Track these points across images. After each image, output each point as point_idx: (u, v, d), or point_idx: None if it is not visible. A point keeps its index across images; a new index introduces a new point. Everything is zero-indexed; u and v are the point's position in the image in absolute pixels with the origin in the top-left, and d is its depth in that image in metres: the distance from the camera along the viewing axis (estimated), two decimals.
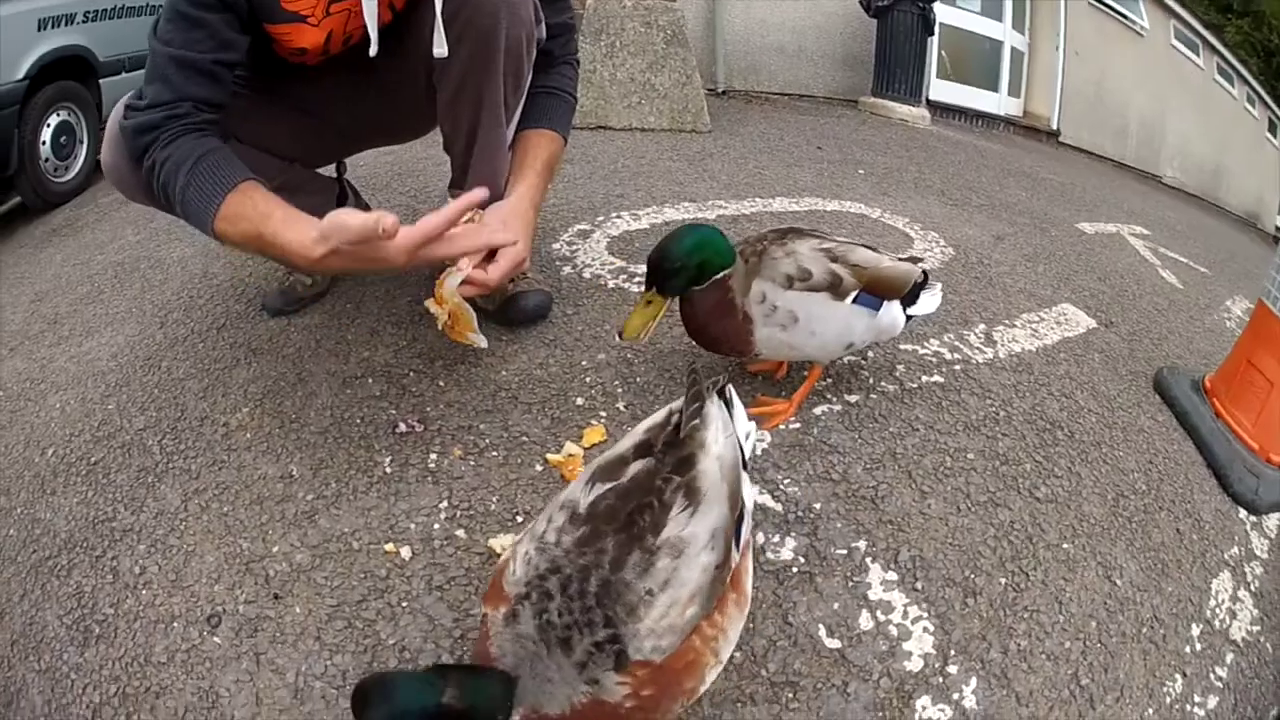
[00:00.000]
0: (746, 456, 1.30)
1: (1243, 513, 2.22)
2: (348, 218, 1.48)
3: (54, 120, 5.82)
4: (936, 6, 7.68)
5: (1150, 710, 1.56)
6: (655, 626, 1.08)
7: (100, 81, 6.38)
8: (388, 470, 1.75)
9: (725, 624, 1.17)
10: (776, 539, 1.67)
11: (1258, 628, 1.89)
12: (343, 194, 2.48)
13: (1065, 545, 1.78)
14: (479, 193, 1.65)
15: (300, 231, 1.57)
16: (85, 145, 6.11)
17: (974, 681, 1.44)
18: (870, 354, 2.26)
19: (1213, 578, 1.95)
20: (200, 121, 1.71)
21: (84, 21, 6.15)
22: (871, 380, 2.15)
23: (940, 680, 1.44)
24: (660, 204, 3.37)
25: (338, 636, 1.46)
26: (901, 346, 2.34)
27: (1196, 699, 1.63)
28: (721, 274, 1.74)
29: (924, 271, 1.88)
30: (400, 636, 1.46)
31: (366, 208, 2.62)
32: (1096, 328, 2.94)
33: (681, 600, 1.10)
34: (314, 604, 1.52)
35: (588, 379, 2.05)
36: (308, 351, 2.21)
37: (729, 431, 1.25)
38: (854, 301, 1.76)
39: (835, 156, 4.94)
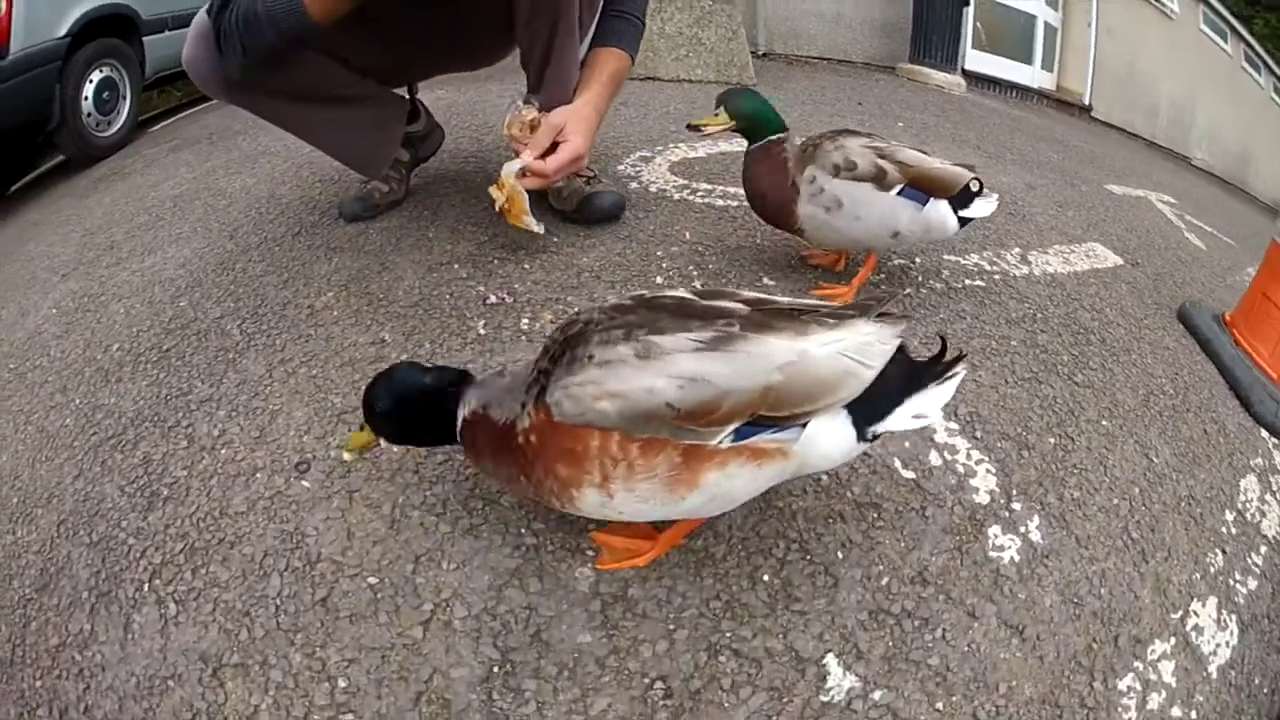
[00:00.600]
0: (894, 429, 1.23)
1: (1264, 432, 2.33)
2: None
3: (96, 76, 5.84)
4: None
5: (1197, 575, 1.69)
6: (570, 387, 1.12)
7: (143, 39, 6.43)
8: (481, 332, 1.89)
9: (634, 473, 1.13)
10: None
11: None
12: (414, 112, 2.65)
13: (1104, 422, 1.93)
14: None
15: None
16: (128, 101, 6.15)
17: (1036, 519, 1.58)
18: (918, 259, 2.40)
19: (1241, 477, 2.08)
20: None
21: None
22: (920, 279, 2.31)
23: (1007, 514, 1.57)
24: (715, 139, 3.48)
25: (437, 469, 1.56)
26: (945, 256, 2.49)
27: (1237, 577, 1.76)
28: (775, 136, 2.01)
29: (977, 179, 2.01)
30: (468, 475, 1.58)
31: (437, 126, 2.80)
32: (1123, 265, 3.07)
33: (604, 387, 1.10)
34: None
35: (664, 265, 2.21)
36: (389, 247, 2.36)
37: (863, 361, 1.15)
38: (899, 194, 1.92)
39: (875, 111, 5.05)
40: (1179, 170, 9.07)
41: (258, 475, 1.62)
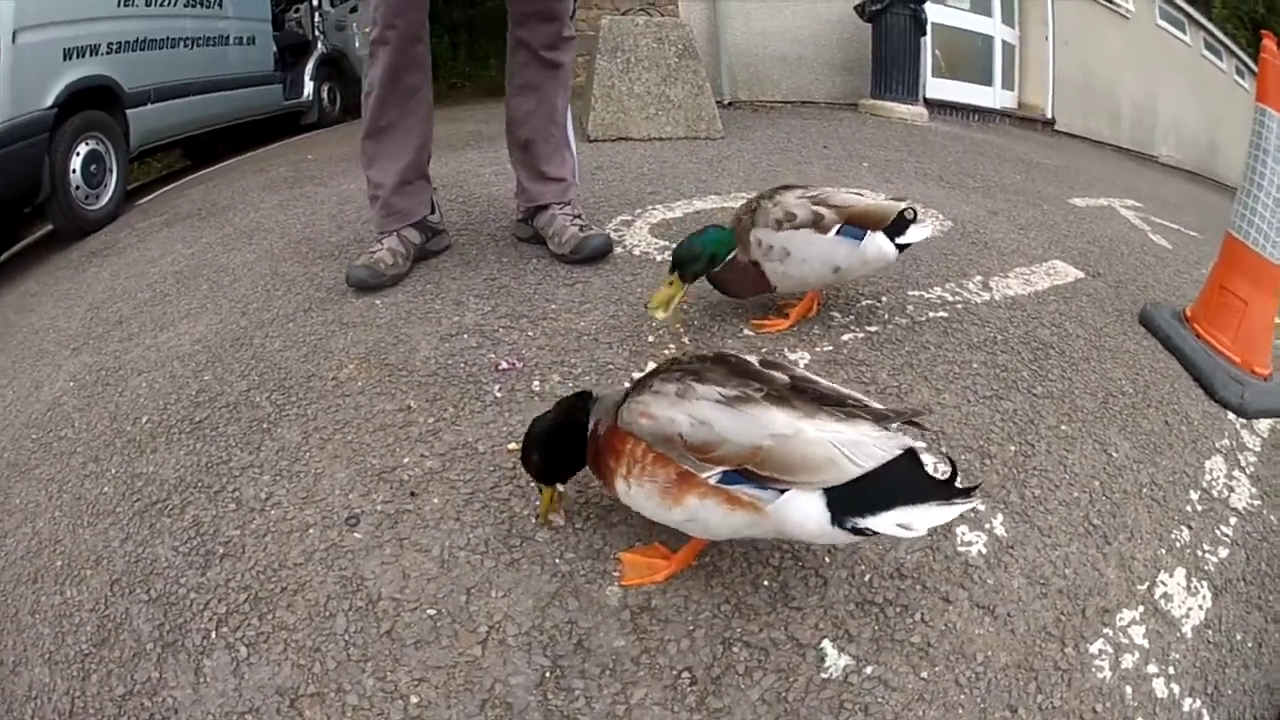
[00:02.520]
0: (873, 529, 1.32)
1: (1230, 415, 2.60)
2: None
3: (83, 149, 5.97)
4: (928, 6, 8.00)
5: (1162, 551, 1.92)
6: (631, 404, 1.48)
7: (127, 112, 6.58)
8: (498, 395, 2.15)
9: (644, 474, 1.44)
10: None
11: (1259, 502, 2.24)
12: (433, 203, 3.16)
13: (1063, 427, 2.18)
14: None
15: None
16: (115, 174, 6.28)
17: (1000, 517, 1.83)
18: (884, 298, 2.68)
19: (1205, 459, 2.33)
20: None
21: (109, 52, 6.37)
22: (887, 316, 2.58)
23: (972, 515, 1.82)
24: (689, 197, 3.82)
25: (476, 515, 1.81)
26: (909, 292, 2.76)
27: (1206, 548, 1.99)
28: (730, 256, 2.31)
29: (911, 208, 2.27)
30: (532, 508, 1.81)
31: (446, 231, 3.24)
32: (1084, 278, 3.37)
33: (646, 409, 1.45)
34: (450, 495, 1.87)
35: (654, 324, 2.46)
36: (399, 320, 2.62)
37: (852, 457, 1.29)
38: (838, 233, 2.21)
39: (840, 153, 5.34)
40: (1146, 171, 9.41)
41: (310, 531, 1.85)
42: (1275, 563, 2.08)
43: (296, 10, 10.54)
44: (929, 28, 8.18)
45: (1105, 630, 1.66)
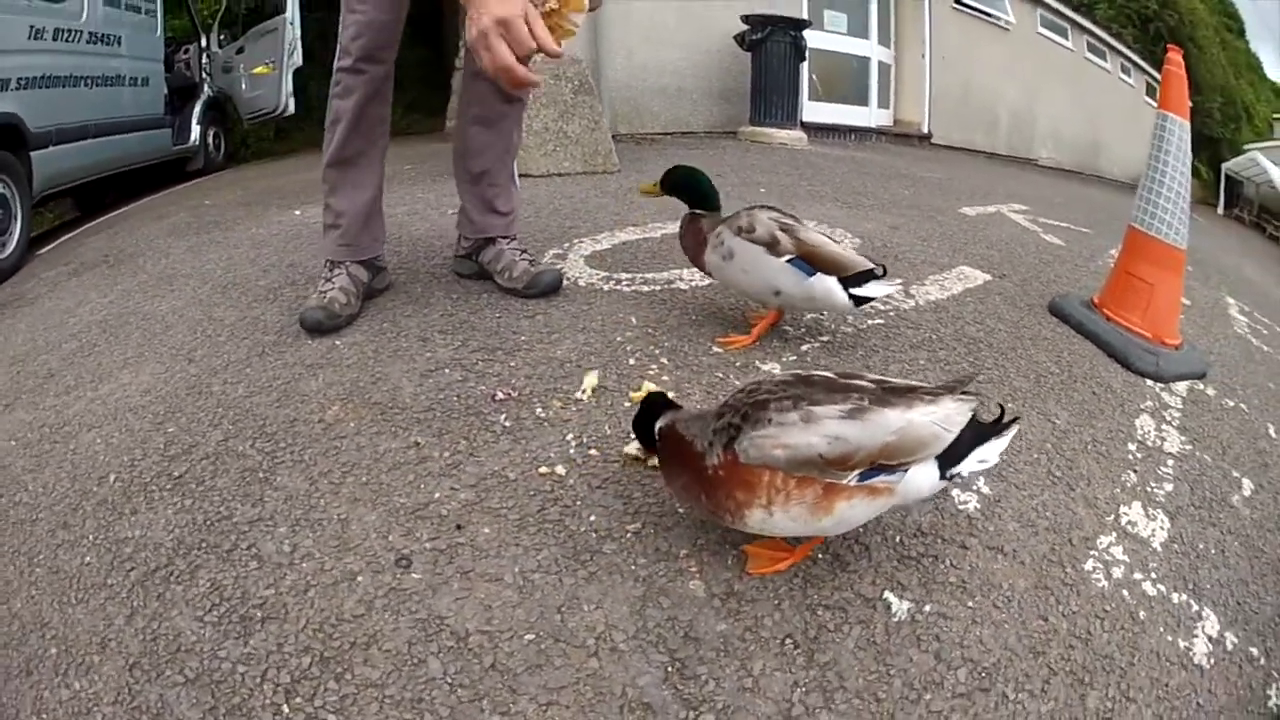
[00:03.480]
0: (964, 472, 1.77)
1: (1149, 381, 3.17)
2: None
3: None
4: (806, 33, 8.56)
5: (1117, 490, 2.39)
6: (755, 439, 1.65)
7: (31, 154, 6.43)
8: (506, 425, 2.36)
9: (790, 499, 1.66)
10: None
11: (1189, 446, 2.78)
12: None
13: (1009, 404, 2.59)
14: None
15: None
16: (19, 221, 6.07)
17: (982, 480, 2.24)
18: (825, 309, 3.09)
19: (1135, 419, 2.87)
20: None
21: (17, 88, 6.24)
22: (833, 327, 3.02)
23: (960, 480, 2.16)
24: (611, 230, 4.19)
25: (534, 539, 1.93)
26: None
27: (1152, 484, 2.49)
28: (701, 211, 2.77)
29: (881, 266, 2.62)
30: (587, 524, 1.97)
31: (388, 269, 3.40)
32: (992, 279, 3.93)
33: (778, 441, 1.64)
34: (499, 523, 1.97)
35: (628, 348, 2.78)
36: (368, 359, 2.76)
37: (947, 427, 1.69)
38: (788, 262, 2.56)
39: (735, 180, 5.82)
40: (1026, 175, 10.29)
41: (359, 578, 1.84)
42: (1216, 490, 2.61)
43: (185, 52, 10.47)
44: (807, 54, 8.74)
45: (1091, 552, 2.09)
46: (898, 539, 1.98)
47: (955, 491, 2.16)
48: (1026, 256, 4.59)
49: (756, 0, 8.99)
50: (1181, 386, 3.24)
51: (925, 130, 11.13)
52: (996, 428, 1.79)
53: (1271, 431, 3.18)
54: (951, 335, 3.10)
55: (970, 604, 1.86)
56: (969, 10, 11.50)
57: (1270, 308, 5.55)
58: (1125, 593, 2.02)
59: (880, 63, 10.90)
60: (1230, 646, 2.07)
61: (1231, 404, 3.30)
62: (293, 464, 2.27)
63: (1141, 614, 1.99)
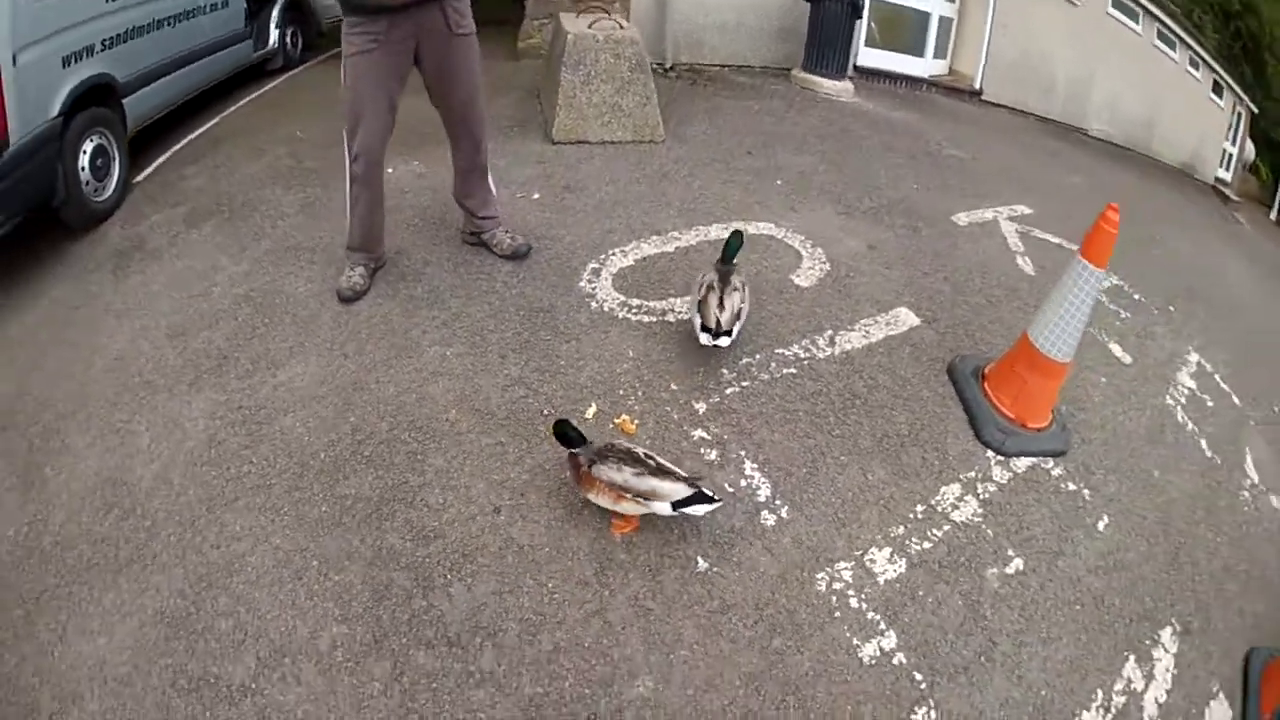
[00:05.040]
0: (686, 511, 3.33)
1: (990, 453, 4.16)
2: None
3: (89, 146, 6.70)
4: None
5: (879, 536, 3.64)
6: (599, 467, 3.33)
7: (123, 101, 7.37)
8: (545, 434, 3.90)
9: (602, 493, 3.33)
10: (704, 449, 3.92)
11: (979, 518, 3.81)
12: None
13: (842, 458, 3.95)
14: None
15: None
16: (118, 163, 7.10)
17: (786, 508, 3.66)
18: (758, 355, 4.50)
19: (944, 485, 3.93)
20: None
21: (104, 49, 7.03)
22: (755, 372, 4.41)
23: (774, 504, 3.68)
24: (637, 239, 5.68)
25: (554, 502, 3.62)
26: (775, 350, 4.59)
27: (914, 540, 3.65)
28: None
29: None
30: (579, 500, 3.56)
31: None
32: (919, 325, 4.99)
33: (605, 472, 3.32)
34: (540, 493, 3.65)
35: (622, 379, 4.32)
36: (469, 372, 4.37)
37: (673, 494, 3.30)
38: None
39: (760, 164, 7.08)
40: (1065, 152, 10.87)
41: (476, 518, 3.59)
42: (974, 558, 3.63)
43: None
44: (865, 13, 9.62)
45: (827, 568, 3.48)
46: (717, 531, 3.52)
47: (764, 513, 3.67)
48: (976, 294, 5.51)
49: None
50: (1022, 463, 4.16)
51: (977, 85, 11.84)
52: (711, 499, 3.33)
53: (1100, 524, 3.99)
54: (839, 390, 4.34)
55: (737, 574, 3.41)
56: None
57: (1243, 364, 5.97)
58: (834, 598, 3.37)
59: (942, 17, 11.61)
60: (896, 662, 3.20)
61: (1072, 487, 4.14)
62: (436, 450, 3.94)
63: (836, 613, 3.31)
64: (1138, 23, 13.45)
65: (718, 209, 6.24)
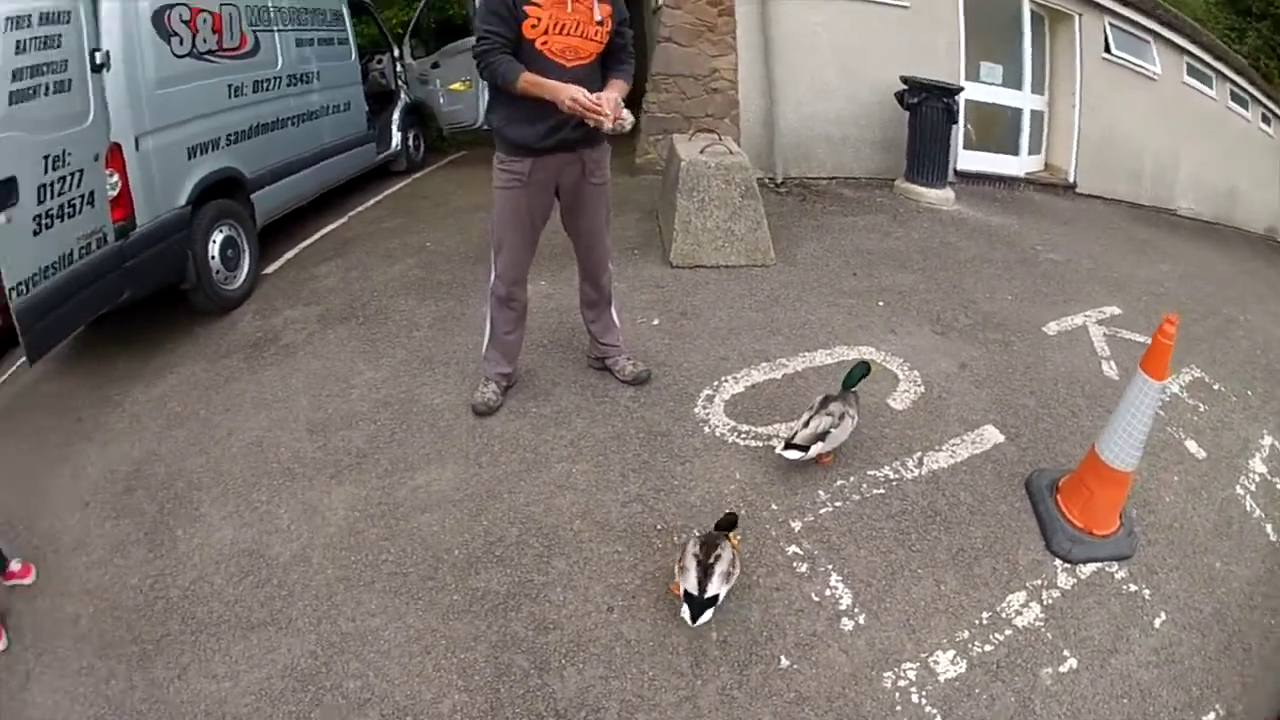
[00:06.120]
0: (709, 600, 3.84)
1: (1058, 562, 4.45)
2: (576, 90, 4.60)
3: (219, 236, 7.32)
4: (961, 96, 10.08)
5: (944, 639, 3.95)
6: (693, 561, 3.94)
7: (251, 195, 8.01)
8: (658, 545, 4.49)
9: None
10: (796, 563, 4.44)
11: (1040, 623, 4.05)
12: None
13: (919, 570, 4.31)
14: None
15: (559, 88, 4.58)
16: (248, 254, 7.73)
17: (861, 613, 4.09)
18: (852, 478, 4.97)
19: (1010, 593, 4.21)
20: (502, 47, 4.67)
21: (229, 144, 7.64)
22: (848, 493, 4.85)
23: (854, 611, 4.12)
24: (749, 366, 6.27)
25: (658, 600, 4.14)
26: (866, 471, 5.03)
27: (976, 644, 3.94)
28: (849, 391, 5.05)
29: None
30: (671, 604, 4.11)
31: None
32: (1003, 442, 5.37)
33: (682, 560, 3.98)
34: (650, 596, 4.13)
35: (728, 500, 4.80)
36: (592, 488, 4.94)
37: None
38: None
39: (863, 285, 7.78)
40: (1157, 239, 11.19)
41: (594, 615, 4.06)
42: (1031, 661, 3.88)
43: (379, 61, 12.06)
44: (961, 116, 10.18)
45: (895, 668, 3.82)
46: (800, 634, 4.01)
47: (844, 619, 4.09)
48: (1059, 407, 5.88)
49: (917, 55, 10.58)
50: (1088, 569, 4.41)
51: (1071, 179, 12.32)
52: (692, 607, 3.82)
53: (1157, 621, 4.20)
54: (922, 509, 4.70)
55: (814, 671, 3.83)
56: (1119, 61, 12.49)
57: None
58: (897, 694, 3.72)
59: (1033, 110, 12.16)
60: None
61: (1133, 588, 4.34)
62: (560, 555, 4.47)
63: (898, 707, 3.65)
64: (1211, 87, 13.72)
65: (823, 334, 6.81)
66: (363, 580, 4.41)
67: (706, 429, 5.59)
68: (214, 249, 7.39)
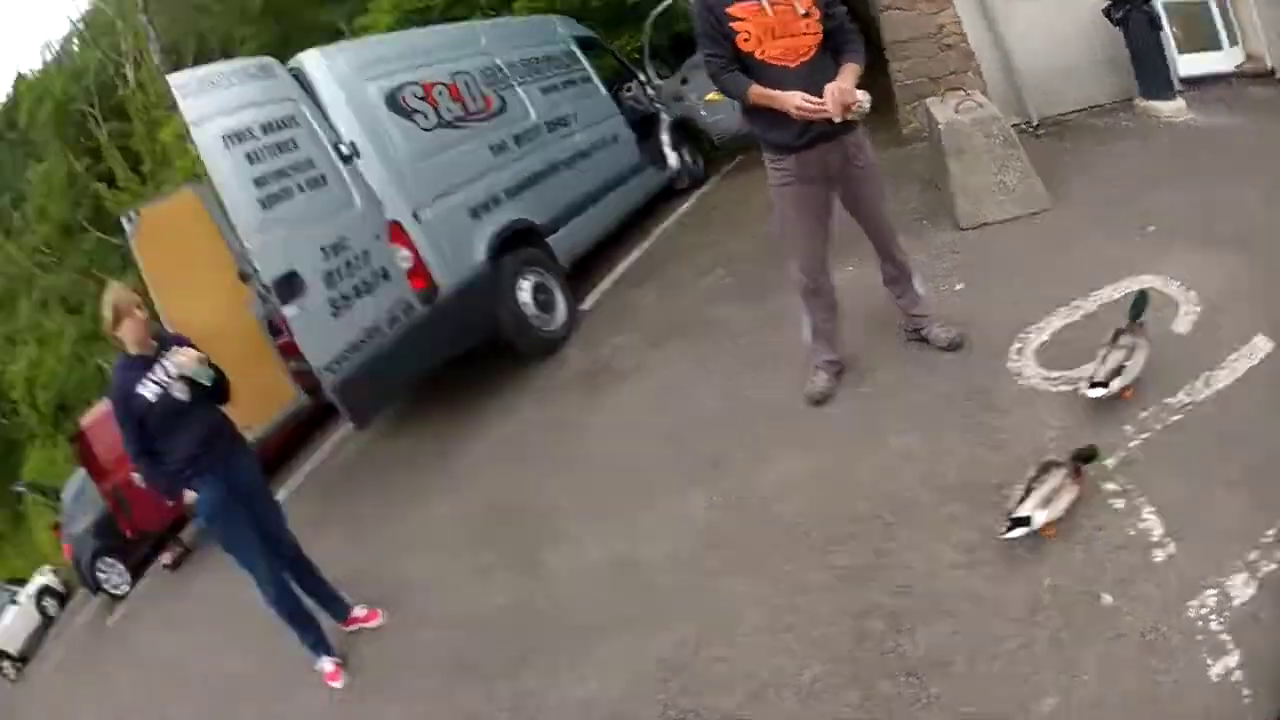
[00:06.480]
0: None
1: None
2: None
3: (527, 284, 8.19)
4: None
5: (1249, 556, 4.11)
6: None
7: (548, 239, 8.74)
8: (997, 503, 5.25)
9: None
10: (1111, 500, 4.87)
11: None
12: None
13: (1218, 493, 4.51)
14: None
15: (784, 99, 5.29)
16: (560, 295, 8.63)
17: (1174, 544, 4.47)
18: (1150, 407, 5.27)
19: None
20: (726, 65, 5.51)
21: (508, 198, 8.55)
22: (1150, 423, 5.23)
23: (1164, 542, 4.54)
24: (1048, 313, 6.56)
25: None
26: (1164, 399, 5.27)
27: (1264, 564, 4.06)
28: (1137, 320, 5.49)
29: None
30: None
31: None
32: (1273, 350, 5.25)
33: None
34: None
35: (1050, 446, 5.09)
36: (928, 456, 5.72)
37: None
38: None
39: (1132, 213, 7.69)
40: None
41: (939, 574, 4.76)
42: None
43: (629, 90, 13.00)
44: (1164, 21, 10.24)
45: (1198, 596, 4.05)
46: (1119, 569, 4.37)
47: (1156, 550, 4.38)
48: None
49: None
50: None
51: (1268, 66, 11.14)
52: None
53: None
54: (1215, 431, 4.89)
55: (1130, 606, 4.17)
56: None
57: None
58: (1199, 623, 3.94)
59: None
60: (1234, 679, 3.64)
61: None
62: (905, 522, 5.15)
63: (1199, 636, 3.83)
64: None
65: (1108, 269, 6.92)
66: (728, 571, 5.09)
67: (1021, 381, 6.03)
68: (525, 296, 8.34)
